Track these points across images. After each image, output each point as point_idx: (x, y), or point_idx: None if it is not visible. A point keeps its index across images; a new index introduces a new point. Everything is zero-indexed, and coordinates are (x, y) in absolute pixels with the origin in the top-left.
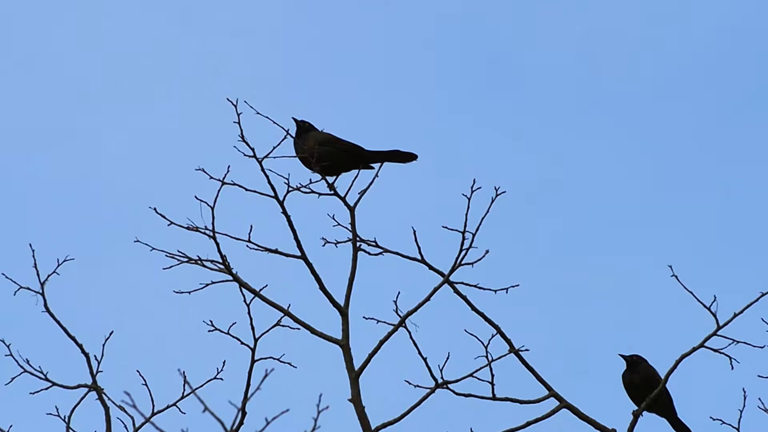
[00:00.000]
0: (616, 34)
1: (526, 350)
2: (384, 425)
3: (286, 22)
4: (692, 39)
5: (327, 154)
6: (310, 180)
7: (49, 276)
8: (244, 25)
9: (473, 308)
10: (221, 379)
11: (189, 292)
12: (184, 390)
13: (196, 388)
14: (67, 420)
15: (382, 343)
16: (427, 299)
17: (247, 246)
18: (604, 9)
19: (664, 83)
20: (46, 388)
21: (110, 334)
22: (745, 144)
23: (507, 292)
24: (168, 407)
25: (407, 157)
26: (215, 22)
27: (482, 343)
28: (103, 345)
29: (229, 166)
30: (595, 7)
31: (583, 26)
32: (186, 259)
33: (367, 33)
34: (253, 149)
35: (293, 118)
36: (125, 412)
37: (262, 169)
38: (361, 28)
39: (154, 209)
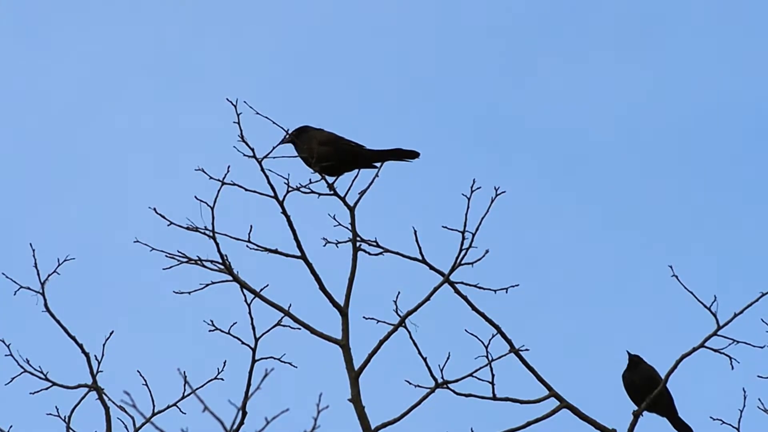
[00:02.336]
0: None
1: (527, 350)
2: (384, 425)
3: (287, 22)
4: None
5: (328, 153)
6: (310, 180)
7: (49, 276)
8: (245, 25)
9: (473, 308)
10: (222, 379)
11: (189, 293)
12: (185, 390)
13: (197, 388)
14: (67, 420)
15: (382, 342)
16: (427, 299)
17: (247, 246)
18: None
19: (664, 82)
20: (47, 388)
21: (110, 334)
22: (745, 142)
23: (507, 291)
24: (168, 407)
25: (409, 155)
26: (216, 22)
27: (482, 342)
28: (104, 345)
29: (228, 167)
30: None
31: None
32: (186, 260)
33: (368, 32)
34: (252, 149)
35: (285, 132)
36: (125, 412)
37: (262, 170)
38: (362, 28)
39: (154, 209)
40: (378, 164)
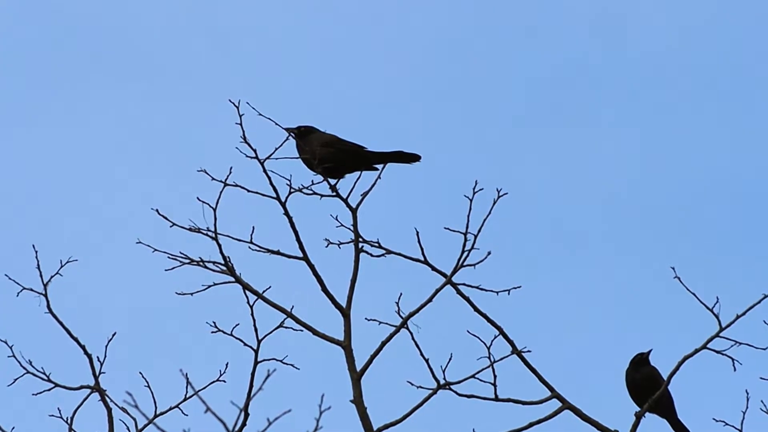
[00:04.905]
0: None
1: (529, 351)
2: (386, 426)
3: (289, 23)
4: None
5: (330, 155)
6: (312, 181)
7: (52, 277)
8: (247, 26)
9: (476, 309)
10: (224, 380)
11: (191, 294)
12: (187, 391)
13: (199, 390)
14: (69, 421)
15: (384, 344)
16: (430, 300)
17: (249, 247)
18: None
19: (665, 80)
20: (49, 389)
21: (113, 335)
22: (747, 142)
23: (509, 293)
24: (171, 409)
25: (410, 158)
26: (218, 23)
27: (485, 344)
28: (106, 346)
29: (231, 168)
30: None
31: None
32: (188, 261)
33: (369, 33)
34: (255, 150)
35: (286, 129)
36: (127, 413)
37: (264, 171)
38: (364, 29)
39: (156, 211)
40: (379, 166)
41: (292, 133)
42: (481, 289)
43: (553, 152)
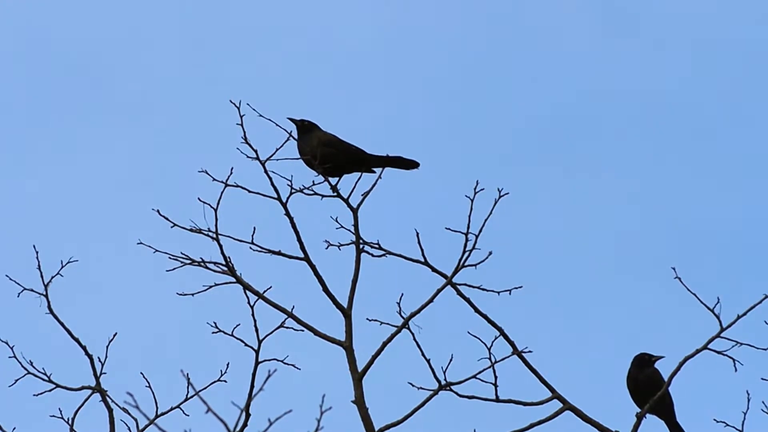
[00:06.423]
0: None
1: (530, 352)
2: (387, 427)
3: (289, 25)
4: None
5: (330, 155)
6: (313, 182)
7: (52, 277)
8: (248, 27)
9: (476, 310)
10: (225, 381)
11: (192, 294)
12: (188, 392)
13: (200, 390)
14: (70, 422)
15: (385, 344)
16: (430, 301)
17: (250, 248)
18: None
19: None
20: (50, 390)
21: (114, 335)
22: (748, 144)
23: (510, 293)
24: (172, 409)
25: (409, 165)
26: (219, 23)
27: (485, 344)
28: (107, 347)
29: (232, 168)
30: None
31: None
32: (189, 261)
33: (369, 33)
34: (256, 151)
35: (290, 119)
36: (129, 414)
37: (265, 171)
38: (365, 30)
39: (157, 211)
40: (377, 169)
41: (295, 124)
42: (482, 290)
43: (555, 153)
